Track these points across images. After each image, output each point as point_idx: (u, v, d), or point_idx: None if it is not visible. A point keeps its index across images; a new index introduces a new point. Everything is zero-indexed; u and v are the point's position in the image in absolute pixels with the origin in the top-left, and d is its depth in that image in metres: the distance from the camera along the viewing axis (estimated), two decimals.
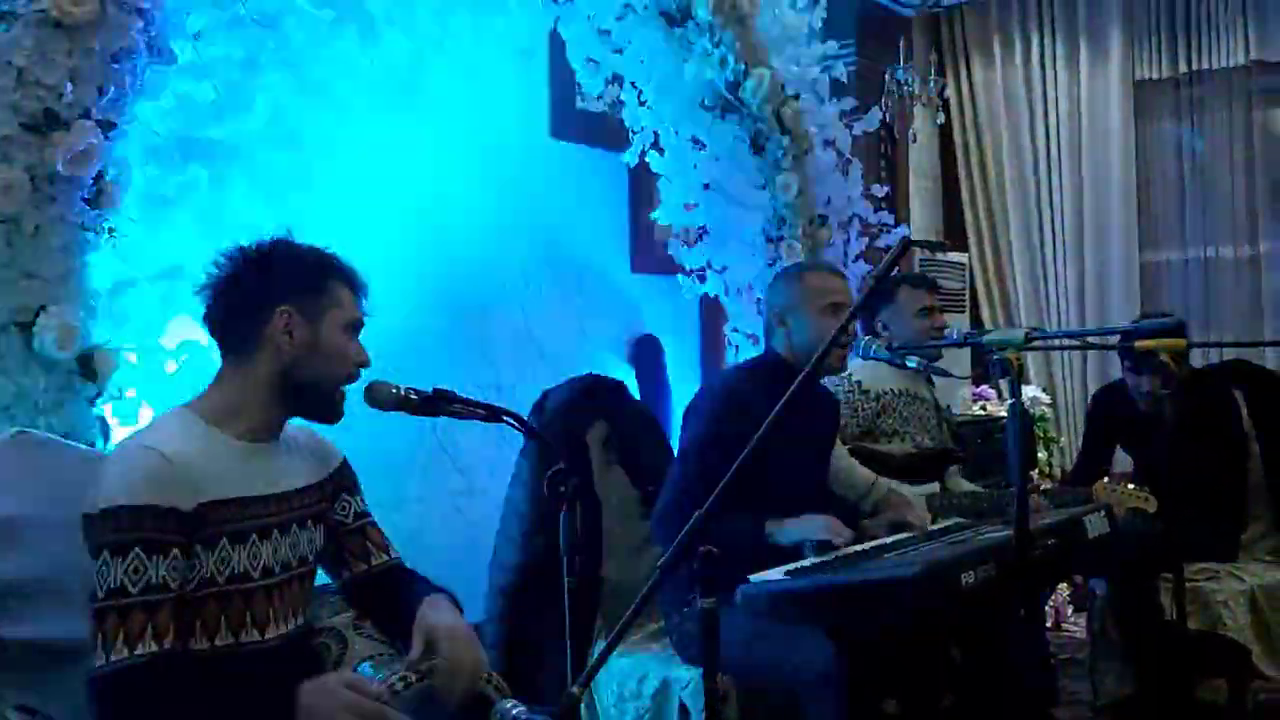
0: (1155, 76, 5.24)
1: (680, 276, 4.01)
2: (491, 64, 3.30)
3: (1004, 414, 4.44)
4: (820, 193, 3.86)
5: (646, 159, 3.77)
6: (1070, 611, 4.83)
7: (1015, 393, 1.88)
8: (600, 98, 3.64)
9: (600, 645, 2.65)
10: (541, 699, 1.83)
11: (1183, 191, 5.27)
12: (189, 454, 1.67)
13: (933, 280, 3.57)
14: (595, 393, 3.20)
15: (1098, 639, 3.48)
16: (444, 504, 3.41)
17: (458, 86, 3.23)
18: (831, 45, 3.93)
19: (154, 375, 2.30)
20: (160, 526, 1.60)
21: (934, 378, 3.28)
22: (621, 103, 3.70)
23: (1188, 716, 3.27)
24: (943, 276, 4.94)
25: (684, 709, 2.56)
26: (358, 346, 1.84)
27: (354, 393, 1.85)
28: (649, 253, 4.15)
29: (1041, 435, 5.14)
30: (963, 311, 5.32)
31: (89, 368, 2.12)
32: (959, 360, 4.62)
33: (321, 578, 1.95)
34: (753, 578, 2.15)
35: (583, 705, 2.37)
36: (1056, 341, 5.06)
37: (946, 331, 3.31)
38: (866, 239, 4.12)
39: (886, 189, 4.43)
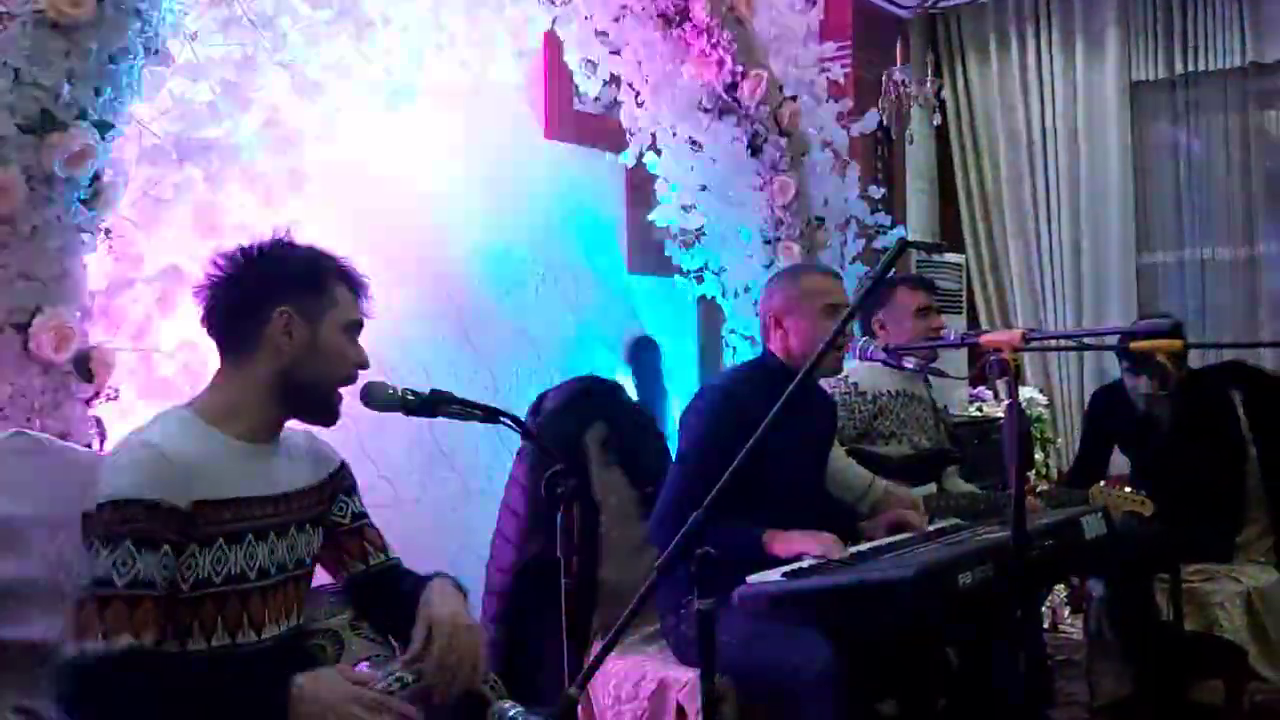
0: (1152, 78, 5.24)
1: (677, 278, 4.01)
2: (488, 64, 3.29)
3: (1001, 415, 4.46)
4: (817, 194, 3.87)
5: (644, 160, 3.77)
6: (1067, 613, 4.83)
7: (1013, 393, 1.89)
8: (598, 98, 3.65)
9: (597, 646, 2.65)
10: (539, 700, 1.82)
11: (1179, 193, 5.26)
12: (188, 452, 1.66)
13: (930, 281, 3.57)
14: (593, 394, 3.21)
15: (1094, 640, 3.48)
16: (441, 505, 3.41)
17: (454, 87, 3.23)
18: (829, 47, 3.94)
19: (150, 376, 2.30)
20: (153, 522, 1.59)
21: (931, 378, 3.29)
22: (619, 103, 3.71)
23: (1184, 718, 3.28)
24: (939, 278, 4.94)
25: (681, 710, 2.56)
26: (357, 348, 1.83)
27: (351, 394, 1.85)
28: (646, 254, 4.15)
29: (1038, 436, 5.14)
30: (959, 313, 5.32)
31: (85, 369, 2.12)
32: (956, 361, 4.62)
33: (320, 578, 1.95)
34: (750, 579, 2.15)
35: (579, 706, 2.37)
36: (1053, 342, 5.08)
37: (944, 333, 3.31)
38: (864, 240, 4.12)
39: (883, 190, 4.44)
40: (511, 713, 1.66)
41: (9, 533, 1.85)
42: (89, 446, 2.11)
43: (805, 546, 2.37)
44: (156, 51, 2.22)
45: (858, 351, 2.74)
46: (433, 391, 1.86)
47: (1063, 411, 5.40)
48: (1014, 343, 1.97)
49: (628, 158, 3.76)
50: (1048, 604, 4.67)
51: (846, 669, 2.22)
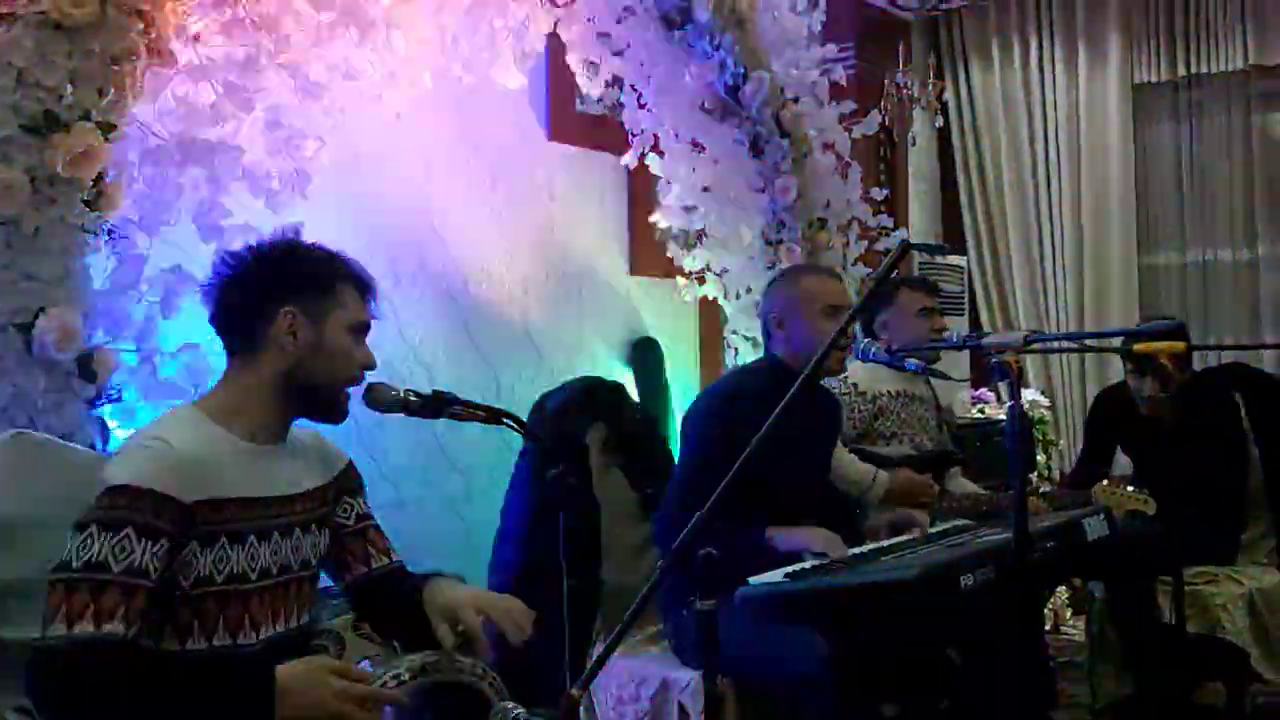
0: (1154, 80, 5.24)
1: (679, 279, 4.01)
2: (490, 66, 3.30)
3: (1003, 417, 4.44)
4: (819, 196, 3.87)
5: (646, 161, 3.78)
6: (1069, 614, 4.83)
7: (1015, 395, 1.88)
8: (600, 100, 3.65)
9: (599, 647, 2.65)
10: (540, 701, 1.82)
11: (1181, 195, 5.27)
12: (195, 450, 1.66)
13: (933, 283, 3.57)
14: (594, 395, 3.21)
15: (1096, 642, 3.48)
16: (443, 506, 3.41)
17: (456, 89, 3.23)
18: (831, 49, 3.94)
19: (152, 377, 2.30)
20: (157, 513, 1.58)
21: (933, 379, 3.29)
22: (621, 105, 3.71)
23: None
24: (941, 280, 4.93)
25: (683, 711, 2.56)
26: (363, 349, 1.82)
27: (354, 394, 1.85)
28: (648, 255, 4.15)
29: (1040, 438, 5.13)
30: (961, 315, 5.32)
31: (88, 369, 2.12)
32: (958, 363, 4.62)
33: (324, 580, 1.95)
34: (752, 580, 2.15)
35: (581, 707, 2.37)
36: (1055, 344, 5.08)
37: (946, 334, 3.31)
38: (866, 242, 4.12)
39: (885, 192, 4.44)
40: (514, 713, 1.66)
41: (10, 532, 1.85)
42: (91, 447, 2.11)
43: (806, 541, 2.37)
44: (159, 53, 2.23)
45: (859, 353, 2.74)
46: (435, 392, 1.86)
47: (1064, 413, 5.40)
48: (1016, 344, 1.97)
49: (630, 159, 3.76)
50: (1050, 605, 4.67)
51: (848, 670, 2.22)
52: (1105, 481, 3.24)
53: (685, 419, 2.73)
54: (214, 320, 1.80)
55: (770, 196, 3.76)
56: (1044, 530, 2.33)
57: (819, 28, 3.94)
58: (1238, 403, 3.57)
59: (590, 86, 3.54)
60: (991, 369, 1.97)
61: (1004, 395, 4.80)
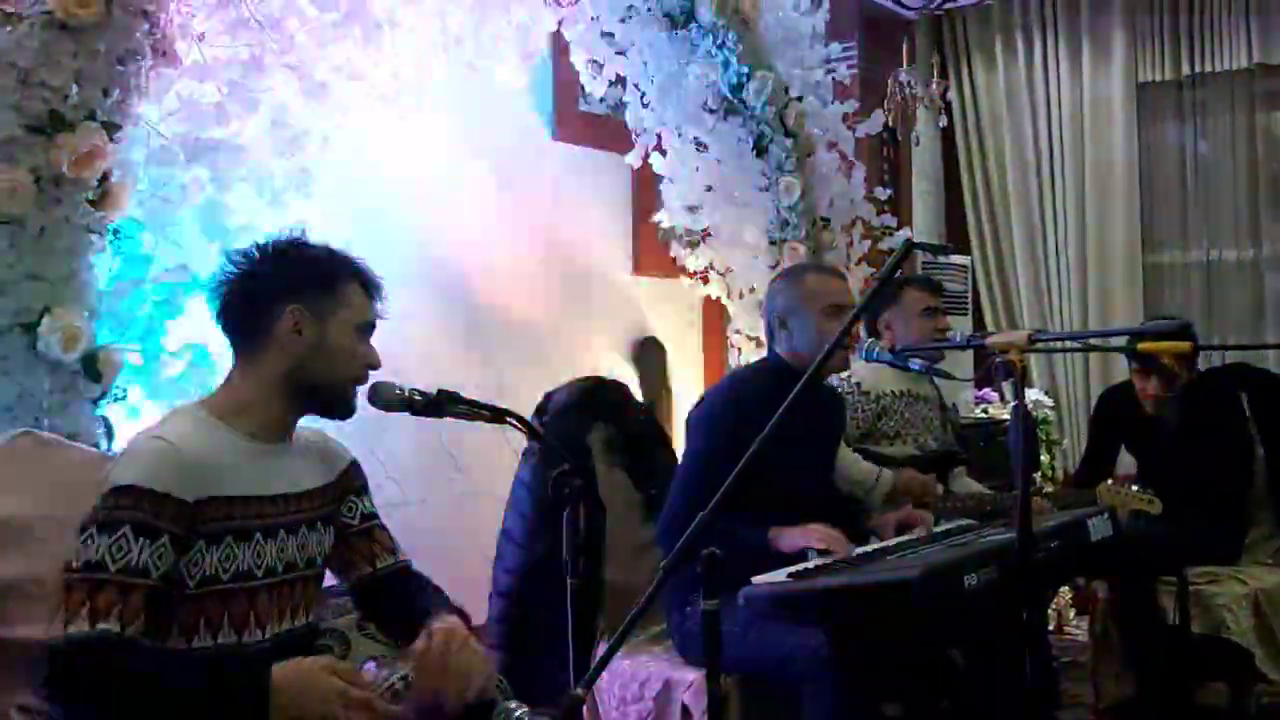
0: (1158, 79, 5.23)
1: (683, 279, 4.02)
2: (494, 66, 3.30)
3: (1006, 416, 4.45)
4: (823, 195, 3.87)
5: (649, 161, 3.78)
6: (1072, 614, 4.82)
7: (1019, 395, 1.88)
8: (603, 99, 3.65)
9: (603, 647, 2.65)
10: (544, 700, 1.82)
11: (1185, 194, 5.26)
12: (199, 448, 1.67)
13: (937, 282, 3.56)
14: (597, 395, 3.20)
15: (1099, 642, 3.48)
16: (447, 505, 3.41)
17: (461, 89, 3.23)
18: (834, 48, 3.94)
19: (157, 377, 2.31)
20: (156, 511, 1.58)
21: (937, 379, 3.28)
22: (624, 104, 3.71)
23: None
24: (945, 279, 4.92)
25: (686, 710, 2.56)
26: (368, 348, 1.83)
27: (359, 394, 1.85)
28: (651, 254, 4.15)
29: (1044, 438, 5.13)
30: (965, 314, 5.30)
31: (93, 369, 2.13)
32: (962, 363, 4.61)
33: (330, 577, 1.95)
34: (755, 579, 2.15)
35: (585, 707, 2.37)
36: (1059, 344, 5.07)
37: (950, 334, 3.30)
38: (869, 241, 4.12)
39: (889, 191, 4.44)
40: (517, 713, 1.66)
41: (15, 531, 1.85)
42: (96, 447, 2.12)
43: (809, 540, 2.37)
44: (164, 53, 2.23)
45: (863, 352, 2.74)
46: (439, 392, 1.86)
47: (1068, 413, 5.39)
48: (1020, 344, 1.97)
49: (633, 158, 3.76)
50: (1053, 605, 4.66)
51: (851, 670, 2.22)
52: (1109, 481, 3.24)
53: (689, 419, 2.73)
54: (219, 318, 1.80)
55: (774, 196, 3.76)
56: (1048, 530, 2.32)
57: (822, 27, 3.94)
58: (1242, 402, 3.57)
59: (594, 86, 3.54)
60: (995, 368, 1.97)
61: (1008, 395, 4.84)
